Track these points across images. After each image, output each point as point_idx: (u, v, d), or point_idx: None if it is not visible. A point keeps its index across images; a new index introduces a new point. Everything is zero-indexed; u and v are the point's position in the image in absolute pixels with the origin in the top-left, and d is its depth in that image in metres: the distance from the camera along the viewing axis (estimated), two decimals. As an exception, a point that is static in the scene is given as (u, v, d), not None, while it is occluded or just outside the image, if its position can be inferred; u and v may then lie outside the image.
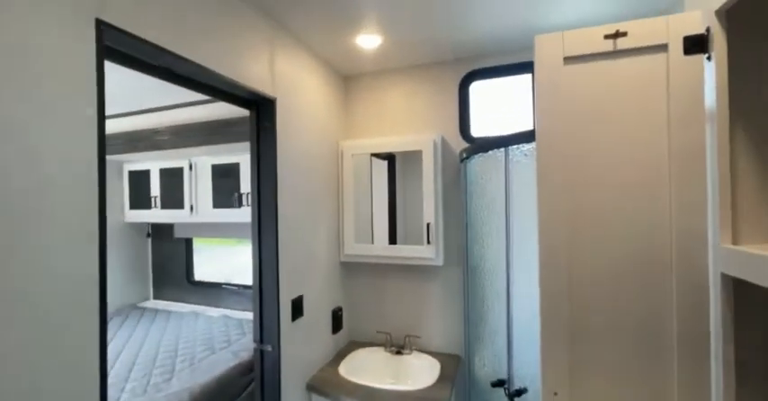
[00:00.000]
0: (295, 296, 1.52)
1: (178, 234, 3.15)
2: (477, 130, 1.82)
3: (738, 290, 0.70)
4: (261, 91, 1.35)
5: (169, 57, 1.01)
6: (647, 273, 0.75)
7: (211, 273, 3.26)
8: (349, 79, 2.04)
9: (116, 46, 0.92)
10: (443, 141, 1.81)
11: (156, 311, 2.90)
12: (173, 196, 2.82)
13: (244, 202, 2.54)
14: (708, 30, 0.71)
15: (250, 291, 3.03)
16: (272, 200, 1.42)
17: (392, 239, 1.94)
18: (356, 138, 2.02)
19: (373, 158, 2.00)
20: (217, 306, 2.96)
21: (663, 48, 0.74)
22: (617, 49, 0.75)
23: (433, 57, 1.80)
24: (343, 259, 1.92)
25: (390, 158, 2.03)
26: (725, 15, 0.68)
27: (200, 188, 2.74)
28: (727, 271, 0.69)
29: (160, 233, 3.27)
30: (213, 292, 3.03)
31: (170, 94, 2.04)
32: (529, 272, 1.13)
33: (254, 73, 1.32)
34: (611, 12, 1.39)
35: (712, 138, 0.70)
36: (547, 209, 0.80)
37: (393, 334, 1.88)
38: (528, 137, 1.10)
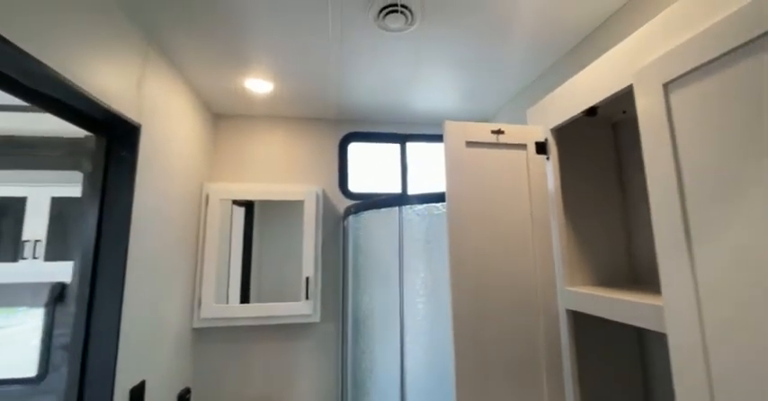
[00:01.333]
0: (136, 382, 1.12)
1: None
2: (354, 187, 1.94)
3: (578, 322, 0.98)
4: (122, 113, 1.09)
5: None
6: (527, 315, 0.96)
7: None
8: (220, 117, 1.86)
9: None
10: (324, 194, 1.84)
11: None
12: None
13: (27, 253, 1.78)
14: (546, 140, 1.05)
15: (13, 388, 1.97)
16: (119, 252, 1.08)
17: (245, 297, 1.71)
18: (223, 182, 1.81)
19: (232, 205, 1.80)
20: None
21: (524, 146, 1.04)
22: (499, 142, 1.02)
23: (318, 112, 1.88)
24: (197, 325, 1.56)
25: (248, 205, 1.87)
26: (556, 132, 1.04)
27: (-69, 231, 1.77)
28: (568, 307, 0.96)
29: None
30: None
31: None
32: (419, 325, 1.23)
33: (117, 90, 1.06)
34: (457, 108, 1.85)
35: (554, 215, 1.01)
36: (456, 262, 0.93)
37: (255, 412, 1.60)
38: (421, 199, 1.27)
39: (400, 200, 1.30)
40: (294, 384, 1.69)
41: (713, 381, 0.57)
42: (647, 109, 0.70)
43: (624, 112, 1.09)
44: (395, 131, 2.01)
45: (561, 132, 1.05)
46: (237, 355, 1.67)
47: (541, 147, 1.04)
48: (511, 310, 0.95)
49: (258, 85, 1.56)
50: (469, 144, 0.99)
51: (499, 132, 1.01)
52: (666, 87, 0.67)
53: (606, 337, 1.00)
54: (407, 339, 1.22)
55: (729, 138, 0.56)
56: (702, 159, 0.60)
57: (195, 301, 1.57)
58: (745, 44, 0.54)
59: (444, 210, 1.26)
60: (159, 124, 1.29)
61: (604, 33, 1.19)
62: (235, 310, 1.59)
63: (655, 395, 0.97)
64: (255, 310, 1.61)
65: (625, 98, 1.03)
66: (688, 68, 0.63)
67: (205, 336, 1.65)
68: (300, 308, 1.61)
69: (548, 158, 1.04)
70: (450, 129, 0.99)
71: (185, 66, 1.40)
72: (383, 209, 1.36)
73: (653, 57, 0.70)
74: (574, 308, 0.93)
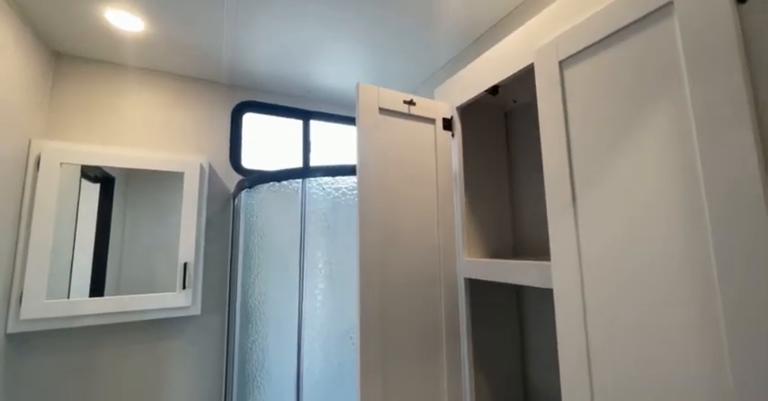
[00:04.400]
0: None
1: None
2: (248, 163, 1.73)
3: (474, 290, 1.04)
4: None
5: None
6: (430, 290, 0.97)
7: None
8: (64, 58, 1.43)
9: None
10: (211, 168, 1.59)
11: None
12: None
13: None
14: (452, 117, 1.08)
15: None
16: None
17: (97, 289, 1.36)
18: (68, 141, 1.39)
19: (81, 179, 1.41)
20: None
21: (433, 121, 1.06)
22: (410, 113, 1.01)
23: (208, 72, 1.61)
24: (13, 329, 1.16)
25: (106, 181, 1.50)
26: (461, 111, 1.08)
27: None
28: (466, 275, 1.01)
29: None
30: None
31: None
32: (320, 309, 1.15)
33: None
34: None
35: (456, 191, 1.05)
36: (366, 234, 0.88)
37: (105, 433, 1.28)
38: (328, 171, 1.18)
39: (304, 172, 1.19)
40: (167, 390, 1.42)
41: (588, 324, 0.65)
42: (545, 83, 0.76)
43: (515, 102, 1.21)
44: (298, 106, 1.86)
45: (465, 111, 1.09)
46: (83, 367, 1.31)
47: (448, 124, 1.07)
48: (416, 286, 0.95)
49: (123, 20, 1.23)
50: (382, 111, 0.96)
51: (411, 103, 1.00)
52: (561, 64, 0.74)
53: (493, 299, 1.09)
54: (306, 325, 1.12)
55: (608, 109, 0.64)
56: (586, 129, 0.68)
57: (13, 297, 1.17)
58: (619, 30, 0.63)
59: (353, 184, 1.20)
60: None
61: (502, 29, 1.30)
62: (81, 306, 1.24)
63: (529, 343, 1.10)
64: (112, 305, 1.28)
65: (519, 84, 1.14)
66: (579, 48, 0.70)
67: (28, 345, 1.24)
68: (175, 300, 1.35)
69: (453, 135, 1.08)
70: (363, 92, 0.93)
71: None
72: (284, 182, 1.23)
73: (551, 37, 0.77)
74: (472, 277, 0.98)
